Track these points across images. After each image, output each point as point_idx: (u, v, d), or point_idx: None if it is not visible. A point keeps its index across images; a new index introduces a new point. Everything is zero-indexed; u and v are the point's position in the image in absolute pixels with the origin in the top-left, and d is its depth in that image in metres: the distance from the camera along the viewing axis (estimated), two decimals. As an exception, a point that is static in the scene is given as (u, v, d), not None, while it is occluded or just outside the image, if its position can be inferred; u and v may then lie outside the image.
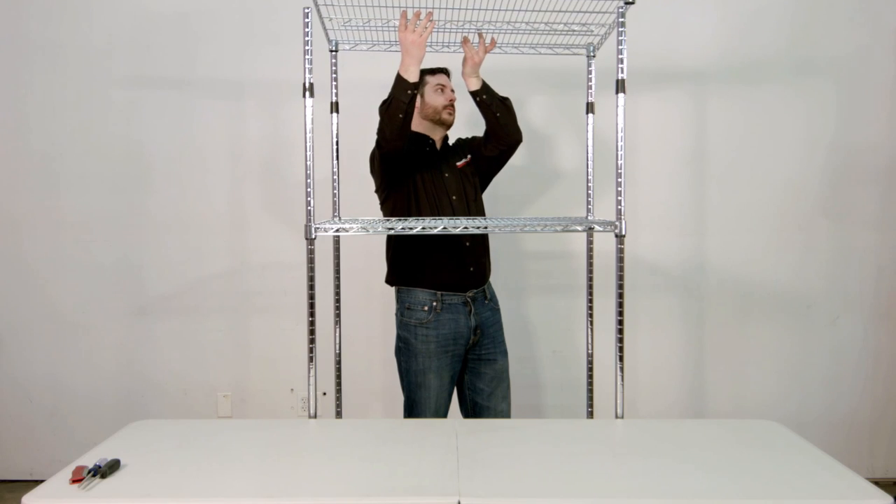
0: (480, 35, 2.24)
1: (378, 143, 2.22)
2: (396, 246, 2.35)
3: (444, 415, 2.33)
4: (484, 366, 2.36)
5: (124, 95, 3.04)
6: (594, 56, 2.44)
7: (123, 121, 3.05)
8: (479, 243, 2.35)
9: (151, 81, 3.04)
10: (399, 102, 2.08)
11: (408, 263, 2.31)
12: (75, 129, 3.04)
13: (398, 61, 2.09)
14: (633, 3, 1.92)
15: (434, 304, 2.26)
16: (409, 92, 2.08)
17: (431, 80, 2.32)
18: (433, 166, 2.34)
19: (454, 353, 2.29)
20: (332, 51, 2.45)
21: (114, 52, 3.03)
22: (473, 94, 2.26)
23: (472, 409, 2.39)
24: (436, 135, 2.38)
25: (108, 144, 3.05)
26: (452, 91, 2.34)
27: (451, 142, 2.47)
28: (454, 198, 2.33)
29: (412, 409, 2.31)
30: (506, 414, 2.38)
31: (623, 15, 1.94)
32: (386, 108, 2.13)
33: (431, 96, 2.32)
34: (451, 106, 2.33)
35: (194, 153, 3.06)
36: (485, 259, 2.37)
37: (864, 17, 3.04)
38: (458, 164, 2.38)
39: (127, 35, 3.03)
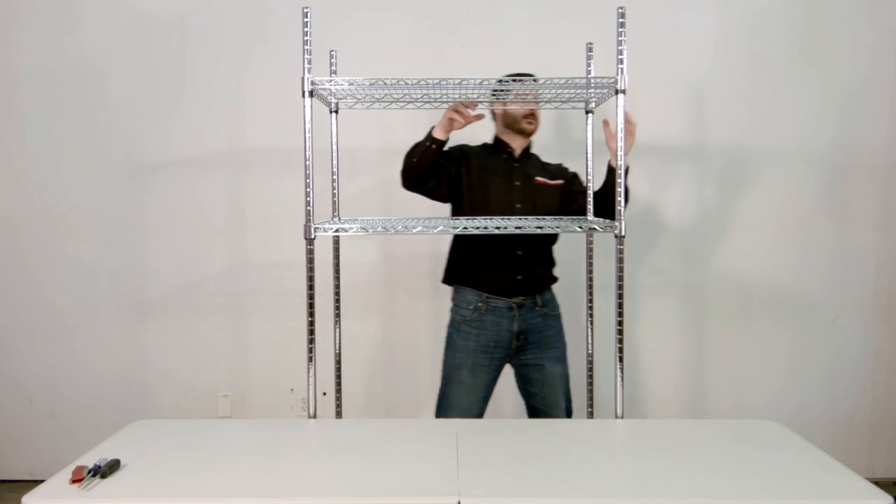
0: (606, 123, 2.24)
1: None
2: (454, 247, 2.43)
3: (478, 416, 2.36)
4: (532, 371, 2.40)
5: (124, 95, 3.04)
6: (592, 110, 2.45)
7: (123, 120, 3.05)
8: (535, 254, 2.37)
9: (151, 81, 3.04)
10: (421, 146, 2.19)
11: (460, 264, 2.40)
12: (74, 129, 3.04)
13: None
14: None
15: (479, 304, 2.34)
16: (432, 146, 2.17)
17: (515, 89, 2.29)
18: (506, 173, 2.38)
19: (493, 355, 2.35)
20: (331, 52, 2.44)
21: (113, 52, 3.03)
22: (612, 168, 2.25)
23: (530, 413, 2.45)
24: (515, 143, 2.40)
25: (107, 144, 3.05)
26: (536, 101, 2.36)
27: (538, 153, 2.49)
28: (518, 206, 2.36)
29: (442, 402, 2.38)
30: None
31: (623, 16, 1.94)
32: (412, 148, 2.23)
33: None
34: (531, 115, 2.35)
35: (194, 153, 3.06)
36: (540, 270, 2.39)
37: (864, 17, 3.04)
38: (538, 179, 2.39)
39: (126, 35, 3.02)
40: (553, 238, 2.43)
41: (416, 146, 2.22)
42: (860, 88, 3.06)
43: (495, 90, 2.20)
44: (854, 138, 3.07)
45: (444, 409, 2.36)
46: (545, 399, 2.40)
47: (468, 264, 2.37)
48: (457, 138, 2.28)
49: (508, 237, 2.25)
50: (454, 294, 2.42)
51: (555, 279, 2.45)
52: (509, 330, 2.34)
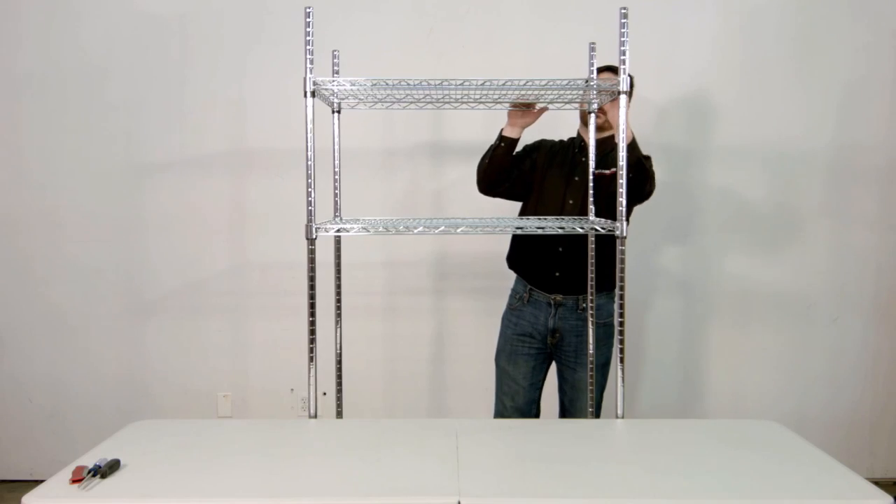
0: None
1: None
2: (514, 236, 2.50)
3: (522, 404, 2.40)
4: (566, 371, 2.45)
5: (124, 95, 3.04)
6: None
7: (123, 120, 3.05)
8: (576, 253, 2.31)
9: (151, 81, 3.04)
10: (492, 147, 2.28)
11: (516, 252, 2.48)
12: (74, 129, 3.04)
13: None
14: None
15: (524, 295, 2.42)
16: (501, 144, 2.25)
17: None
18: (570, 168, 2.41)
19: (531, 345, 2.41)
20: (334, 52, 2.44)
21: (113, 52, 3.03)
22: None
23: (560, 409, 2.52)
24: (588, 137, 2.38)
25: (107, 144, 3.05)
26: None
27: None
28: (570, 202, 2.37)
29: (495, 389, 2.48)
30: None
31: (625, 16, 1.94)
32: (486, 151, 2.30)
33: None
34: (600, 110, 2.31)
35: (194, 153, 3.06)
36: (581, 271, 2.30)
37: (864, 17, 3.04)
38: (596, 172, 2.32)
39: (126, 35, 3.03)
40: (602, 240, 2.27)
41: (489, 148, 2.28)
42: (859, 88, 3.06)
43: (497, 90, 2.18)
44: (853, 138, 3.07)
45: (496, 395, 2.47)
46: (572, 401, 2.45)
47: (520, 254, 2.46)
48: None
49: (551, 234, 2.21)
50: (513, 283, 2.50)
51: (605, 284, 2.29)
52: (545, 325, 2.38)
